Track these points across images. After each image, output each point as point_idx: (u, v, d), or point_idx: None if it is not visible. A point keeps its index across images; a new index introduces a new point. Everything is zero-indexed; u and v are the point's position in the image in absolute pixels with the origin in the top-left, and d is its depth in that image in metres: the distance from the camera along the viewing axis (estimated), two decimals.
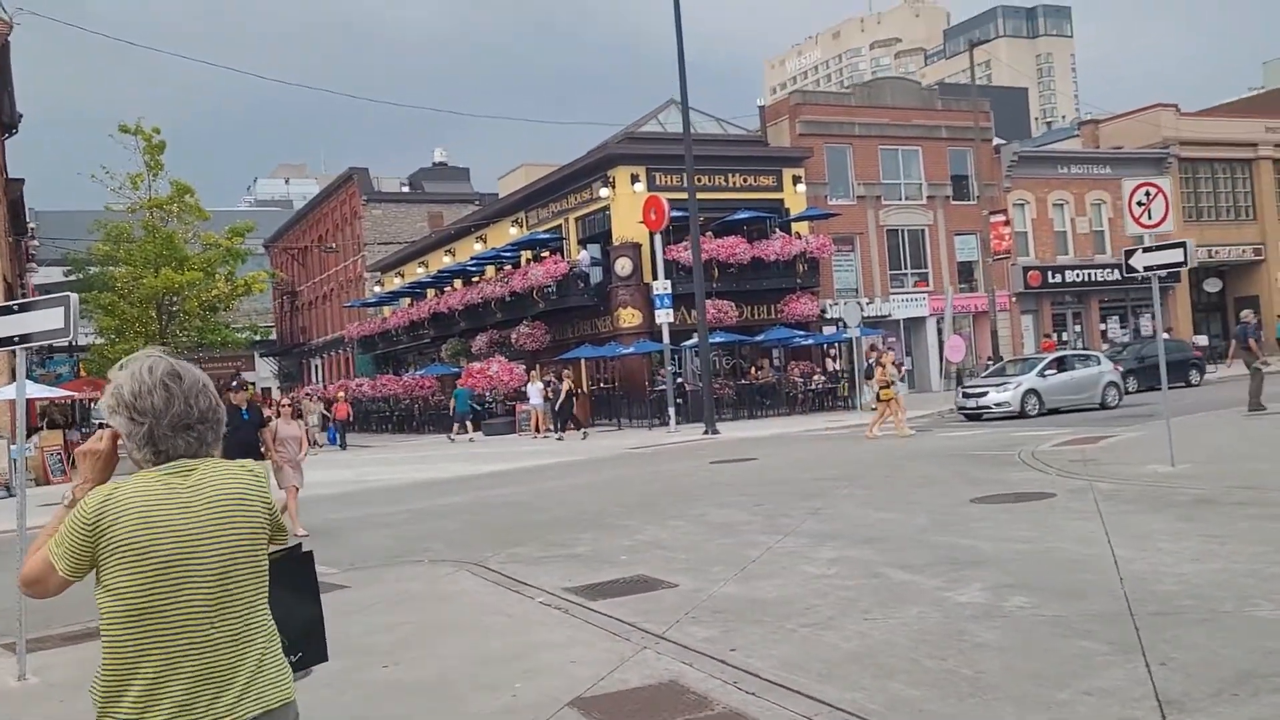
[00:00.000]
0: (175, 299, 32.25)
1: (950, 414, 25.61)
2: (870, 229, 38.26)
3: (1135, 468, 12.07)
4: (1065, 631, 5.71)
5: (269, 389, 66.21)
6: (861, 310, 30.04)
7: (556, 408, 30.27)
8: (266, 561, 2.48)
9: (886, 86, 41.11)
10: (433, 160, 68.30)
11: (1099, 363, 26.12)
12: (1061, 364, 25.31)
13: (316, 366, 69.16)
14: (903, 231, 39.10)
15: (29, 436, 27.74)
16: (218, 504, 2.38)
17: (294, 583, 2.80)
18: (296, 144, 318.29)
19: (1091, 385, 25.04)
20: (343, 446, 33.68)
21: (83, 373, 40.70)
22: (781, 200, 36.23)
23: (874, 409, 21.36)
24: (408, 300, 50.69)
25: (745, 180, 35.88)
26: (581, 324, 36.47)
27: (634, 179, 34.27)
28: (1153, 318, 42.87)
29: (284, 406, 14.55)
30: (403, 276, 53.27)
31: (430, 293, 47.42)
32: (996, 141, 41.11)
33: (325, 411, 37.35)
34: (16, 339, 6.90)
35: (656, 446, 23.05)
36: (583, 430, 30.19)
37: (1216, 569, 6.91)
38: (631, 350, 31.35)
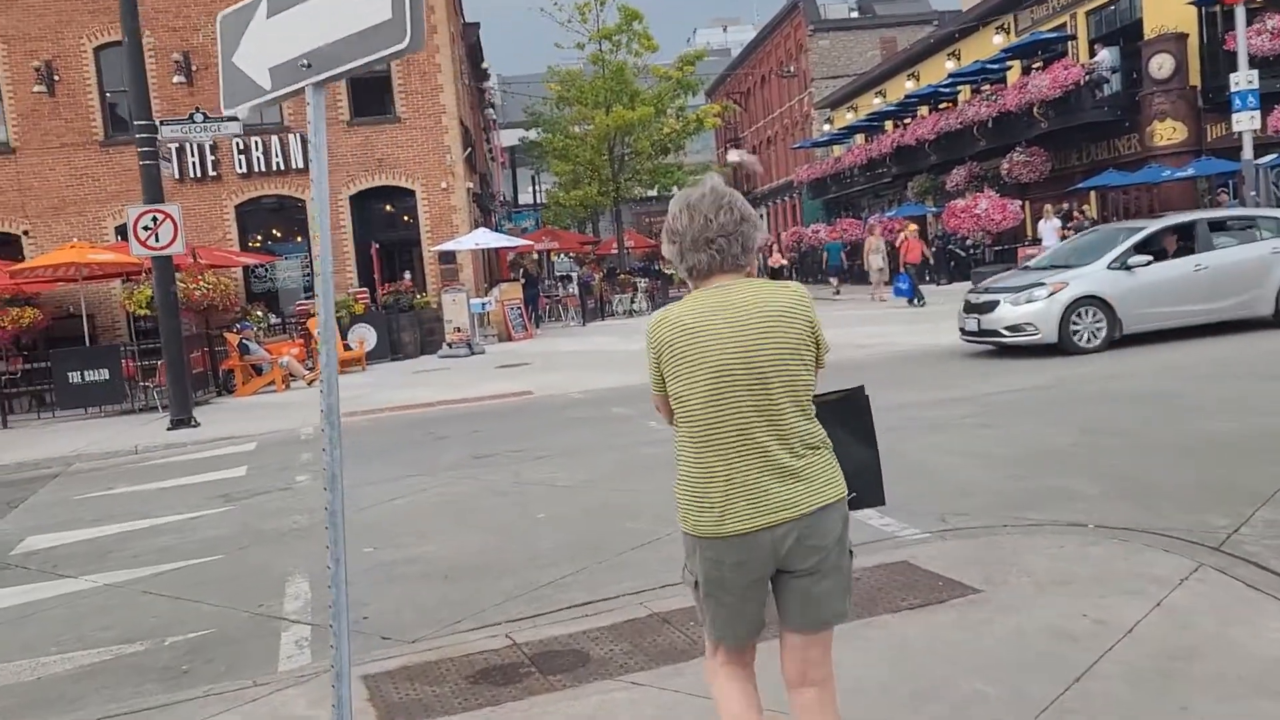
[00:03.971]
0: (627, 139, 29.62)
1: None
2: None
3: None
4: None
5: None
6: None
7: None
8: (812, 375, 2.59)
9: None
10: None
11: (1277, 232, 13.11)
12: (1182, 240, 13.09)
13: (762, 215, 66.34)
14: None
15: (489, 290, 26.74)
16: (759, 319, 2.51)
17: (850, 423, 2.78)
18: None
19: (1247, 281, 12.66)
20: (919, 302, 23.04)
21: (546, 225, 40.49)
22: None
23: None
24: (862, 136, 45.36)
25: None
26: (1094, 147, 29.04)
27: None
28: None
29: None
30: (856, 111, 47.71)
31: (889, 125, 41.64)
32: None
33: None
34: (304, 63, 2.89)
35: None
36: None
37: None
38: (1189, 172, 23.76)
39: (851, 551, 2.63)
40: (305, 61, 2.95)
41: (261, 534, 7.27)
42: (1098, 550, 5.08)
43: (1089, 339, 12.47)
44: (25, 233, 22.95)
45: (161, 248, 12.98)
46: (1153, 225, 13.57)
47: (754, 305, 2.52)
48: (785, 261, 32.73)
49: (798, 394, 2.53)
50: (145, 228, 12.88)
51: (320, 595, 5.66)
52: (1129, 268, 12.57)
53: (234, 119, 13.75)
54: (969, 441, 8.09)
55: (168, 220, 12.95)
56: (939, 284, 29.60)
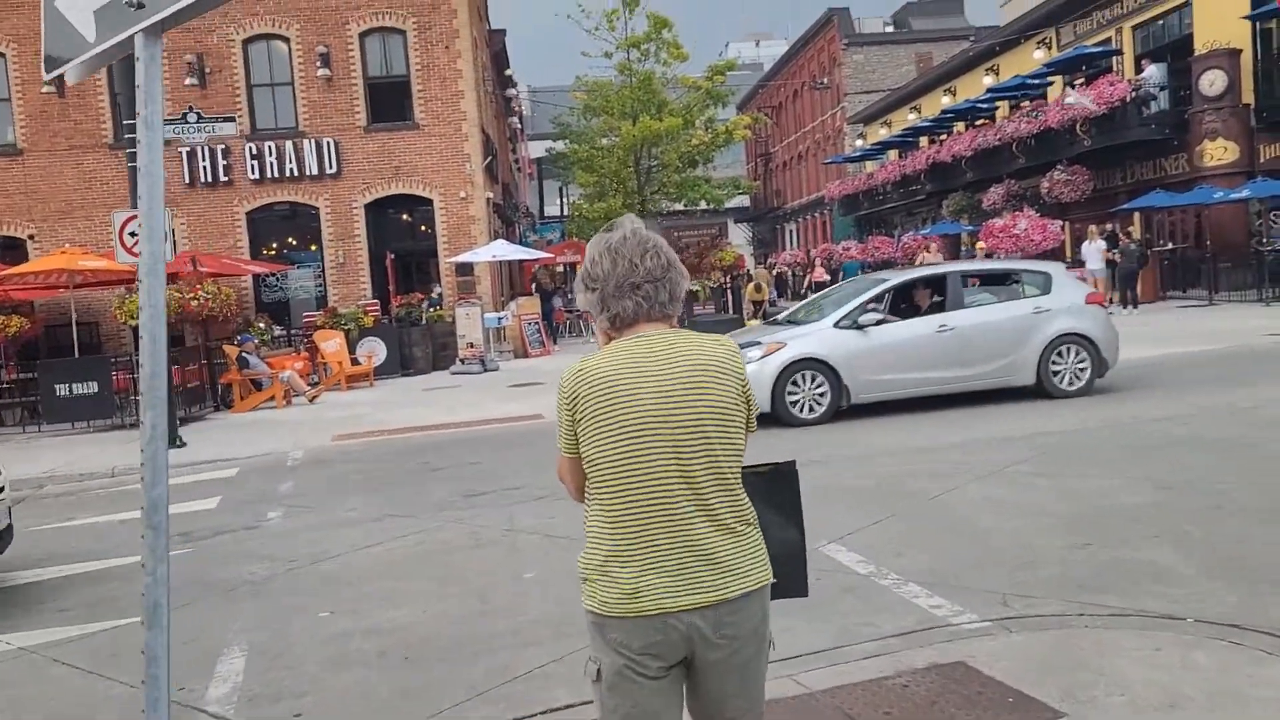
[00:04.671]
0: (654, 150, 28.74)
1: None
2: None
3: None
4: None
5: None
6: None
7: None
8: (743, 440, 2.35)
9: None
10: None
11: (1044, 289, 11.34)
12: (936, 294, 11.40)
13: (791, 232, 65.36)
14: None
15: (506, 304, 25.86)
16: (687, 374, 2.27)
17: (776, 501, 2.57)
18: (759, 12, 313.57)
19: (1004, 344, 10.97)
20: None
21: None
22: None
23: None
24: (895, 152, 44.32)
25: None
26: (1139, 166, 27.88)
27: None
28: None
29: None
30: (889, 127, 46.71)
31: (924, 141, 40.60)
32: None
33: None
34: (133, 1, 1.97)
35: None
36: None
37: None
38: (1244, 194, 22.58)
39: (772, 643, 2.42)
40: None
41: (210, 585, 6.36)
42: (1205, 658, 4.07)
43: (809, 408, 10.61)
44: (31, 237, 22.34)
45: None
46: (895, 278, 11.83)
47: (682, 358, 2.28)
48: (829, 277, 31.72)
49: (727, 460, 2.29)
50: (132, 234, 12.09)
51: (255, 677, 4.75)
52: (860, 326, 10.79)
53: (229, 119, 12.95)
54: (1024, 494, 7.07)
55: None
56: None
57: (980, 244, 23.60)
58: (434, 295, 22.57)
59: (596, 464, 2.24)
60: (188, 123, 12.74)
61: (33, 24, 22.26)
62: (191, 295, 15.74)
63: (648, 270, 2.31)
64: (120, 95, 12.50)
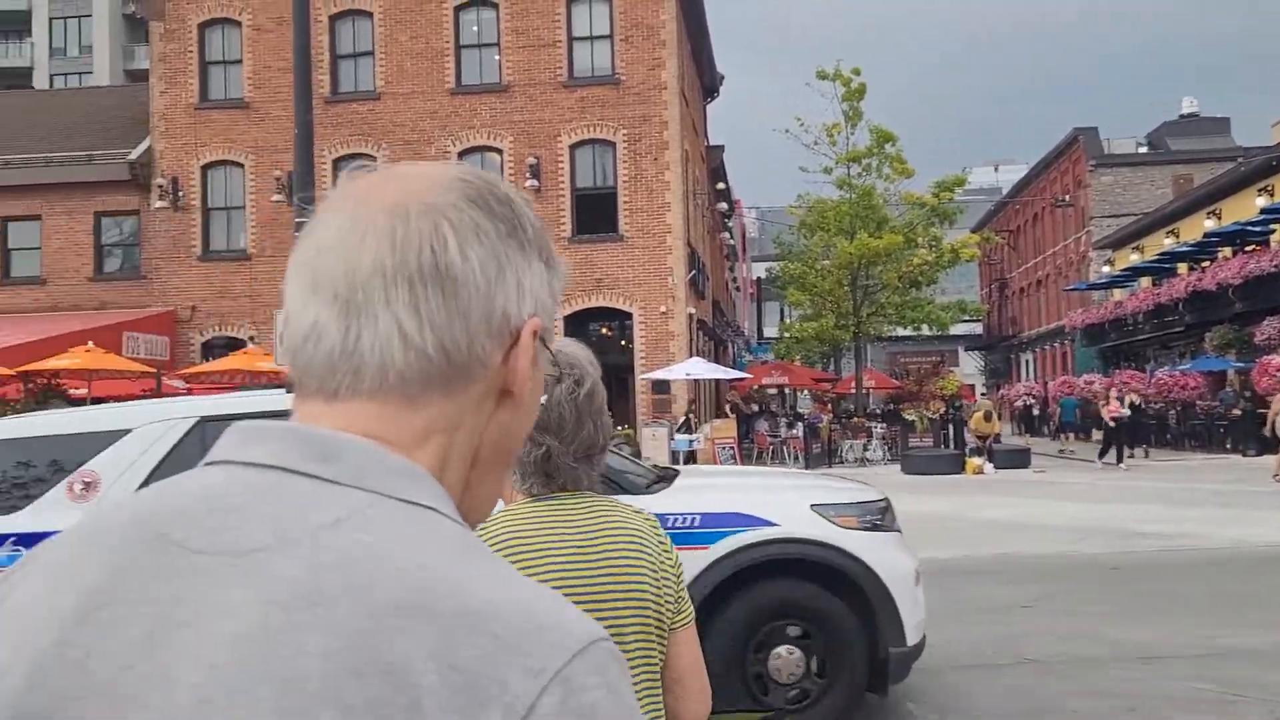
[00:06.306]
0: (872, 270, 27.03)
1: None
2: None
3: None
4: None
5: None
6: None
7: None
8: (661, 647, 1.74)
9: None
10: (1179, 112, 55.61)
11: None
12: None
13: (1027, 362, 61.19)
14: None
15: (700, 426, 24.51)
16: (611, 552, 1.72)
17: None
18: (999, 141, 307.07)
19: None
20: None
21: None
22: None
23: None
24: (1148, 280, 40.47)
25: None
26: None
27: None
28: None
29: None
30: (1141, 252, 42.93)
31: (1182, 268, 36.80)
32: None
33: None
34: None
35: None
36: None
37: None
38: None
39: None
40: None
41: None
42: None
43: None
44: (251, 338, 23.06)
45: None
46: None
47: (605, 532, 1.72)
48: (1128, 412, 24.75)
49: (654, 669, 1.72)
50: None
51: None
52: None
53: None
54: None
55: None
56: (1244, 454, 24.74)
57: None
58: (690, 409, 21.66)
59: None
60: None
61: (270, 137, 23.49)
62: None
63: (607, 436, 1.80)
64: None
